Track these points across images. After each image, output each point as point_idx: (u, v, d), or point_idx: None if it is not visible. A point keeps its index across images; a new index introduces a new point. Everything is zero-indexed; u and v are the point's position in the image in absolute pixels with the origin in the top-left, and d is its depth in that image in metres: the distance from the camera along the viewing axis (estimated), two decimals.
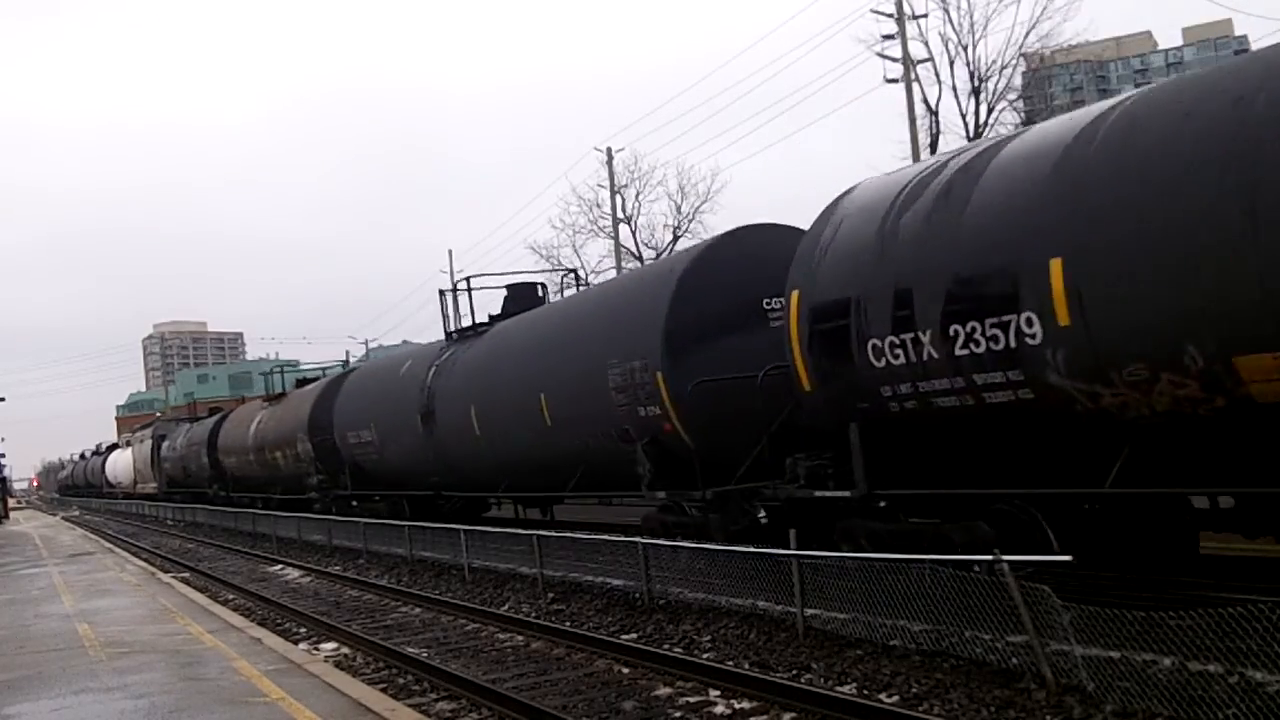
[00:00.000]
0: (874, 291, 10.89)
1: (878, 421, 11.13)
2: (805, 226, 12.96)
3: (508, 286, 23.64)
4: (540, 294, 23.67)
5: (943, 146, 34.06)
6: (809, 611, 11.16)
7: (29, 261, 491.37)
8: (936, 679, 9.06)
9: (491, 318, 23.01)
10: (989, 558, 8.99)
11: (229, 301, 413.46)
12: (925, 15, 34.21)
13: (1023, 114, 36.34)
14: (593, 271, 48.01)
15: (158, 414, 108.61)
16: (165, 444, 54.43)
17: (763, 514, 13.33)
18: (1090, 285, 8.80)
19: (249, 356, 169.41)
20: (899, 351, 10.56)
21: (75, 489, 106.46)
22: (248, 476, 39.12)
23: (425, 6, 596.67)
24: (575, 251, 51.79)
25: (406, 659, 12.17)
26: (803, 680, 9.57)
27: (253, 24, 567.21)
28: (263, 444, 35.63)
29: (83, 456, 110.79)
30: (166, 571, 25.08)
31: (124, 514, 62.93)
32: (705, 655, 11.01)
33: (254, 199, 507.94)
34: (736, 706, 9.12)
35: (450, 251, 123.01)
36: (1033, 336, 9.22)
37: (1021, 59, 35.15)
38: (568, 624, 13.48)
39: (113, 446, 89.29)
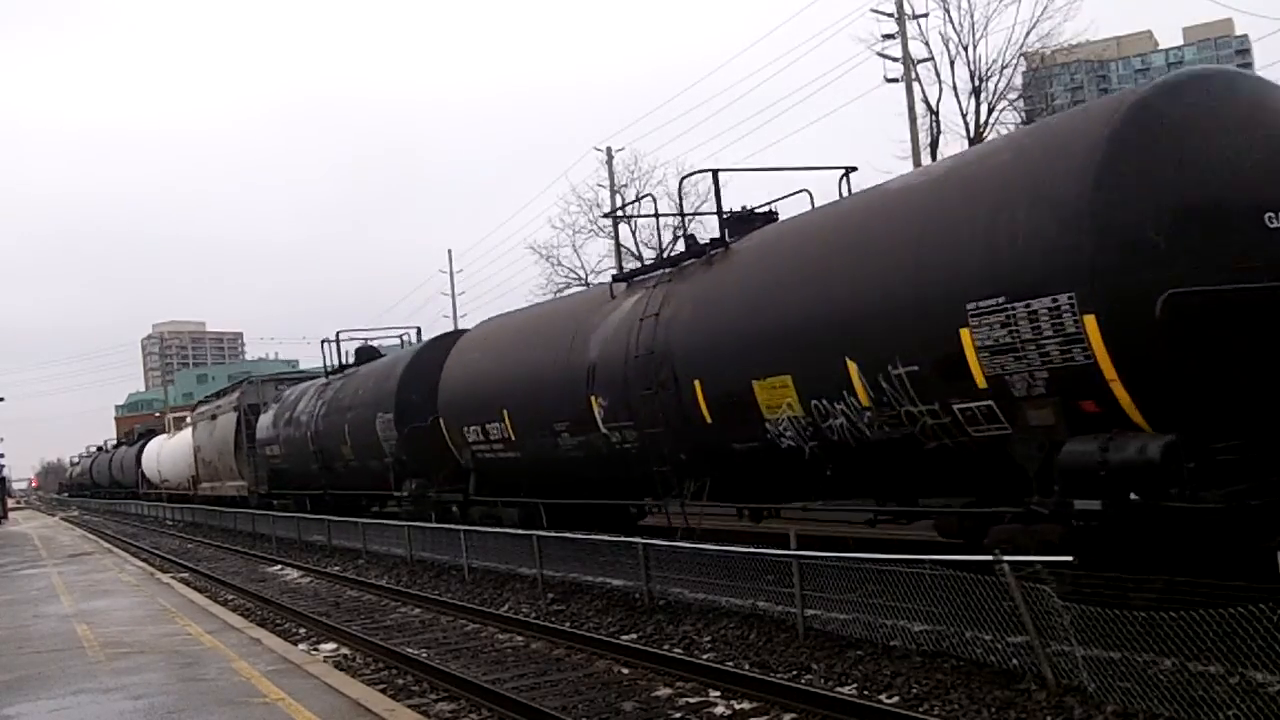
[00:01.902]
0: None
1: None
2: None
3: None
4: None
5: (943, 146, 34.09)
6: (809, 612, 11.16)
7: (28, 263, 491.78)
8: (937, 680, 9.05)
9: None
10: (989, 558, 8.97)
11: (228, 302, 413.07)
12: (925, 15, 34.13)
13: (1023, 113, 36.31)
14: (593, 271, 47.92)
15: (156, 414, 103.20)
16: (264, 418, 33.34)
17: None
18: None
19: (248, 357, 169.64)
20: None
21: (94, 488, 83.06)
22: (563, 469, 17.31)
23: (425, 9, 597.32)
24: (575, 251, 51.66)
25: (406, 659, 12.16)
26: (803, 681, 9.57)
27: (252, 26, 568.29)
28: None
29: (100, 449, 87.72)
30: (165, 572, 25.05)
31: (122, 514, 62.54)
32: (705, 656, 11.00)
33: (254, 200, 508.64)
34: (737, 707, 9.11)
35: (450, 251, 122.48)
36: None
37: (1022, 59, 35.11)
38: (568, 624, 13.47)
39: (149, 432, 67.84)
